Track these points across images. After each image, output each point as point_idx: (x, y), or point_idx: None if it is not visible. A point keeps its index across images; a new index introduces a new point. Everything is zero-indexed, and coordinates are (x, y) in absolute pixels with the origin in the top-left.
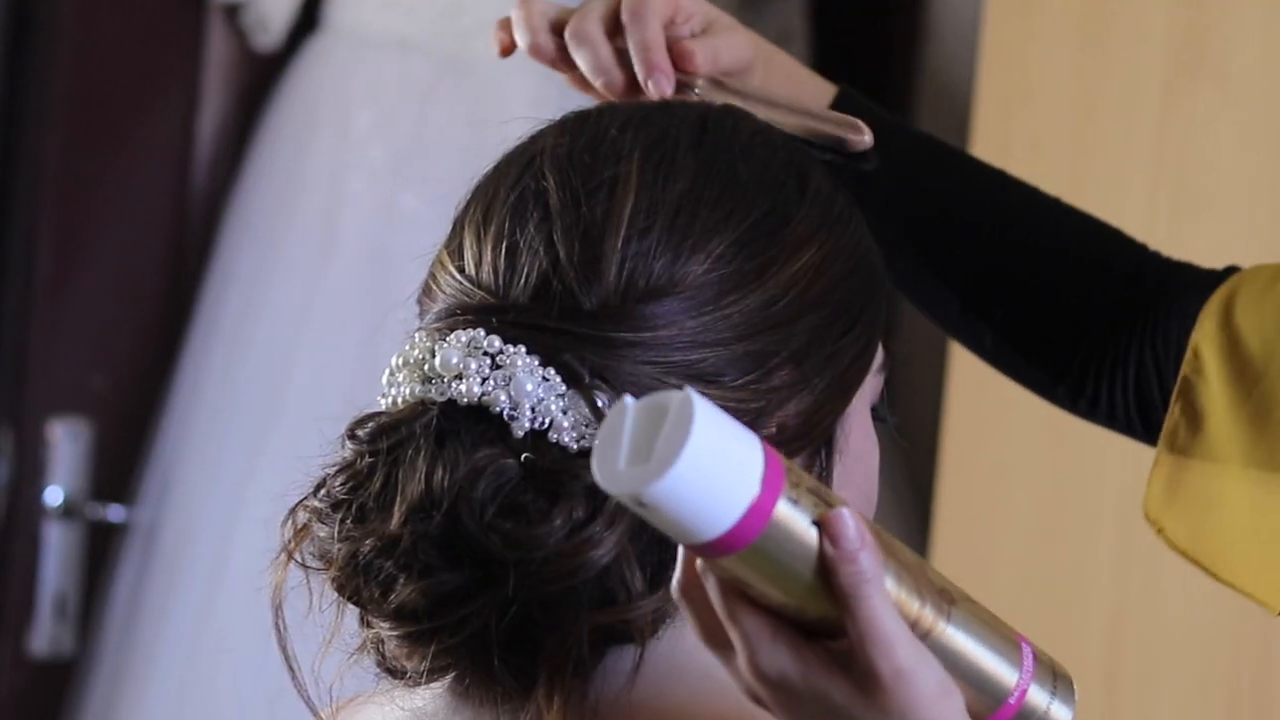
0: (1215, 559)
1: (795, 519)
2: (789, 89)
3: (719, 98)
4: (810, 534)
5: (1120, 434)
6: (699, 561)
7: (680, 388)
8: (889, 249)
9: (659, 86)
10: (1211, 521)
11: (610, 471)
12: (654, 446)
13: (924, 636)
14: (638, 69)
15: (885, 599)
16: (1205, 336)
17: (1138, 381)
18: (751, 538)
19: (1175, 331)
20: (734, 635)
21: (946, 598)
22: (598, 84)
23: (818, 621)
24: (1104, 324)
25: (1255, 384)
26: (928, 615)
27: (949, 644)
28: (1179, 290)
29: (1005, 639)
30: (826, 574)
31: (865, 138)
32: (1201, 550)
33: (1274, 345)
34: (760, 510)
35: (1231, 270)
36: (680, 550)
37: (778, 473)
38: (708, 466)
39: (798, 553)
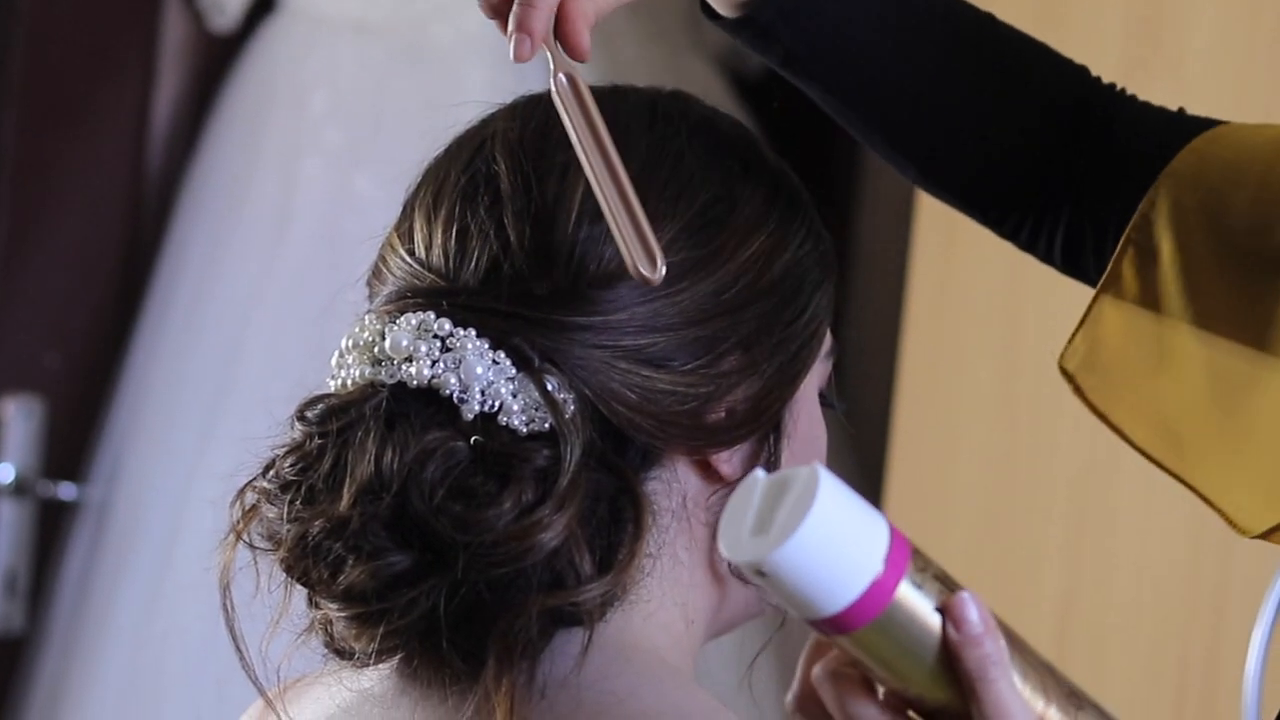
0: (1154, 442)
1: (918, 602)
2: None
3: (565, 107)
4: (934, 619)
5: (1038, 260)
6: (808, 664)
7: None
8: (833, 74)
9: (519, 48)
10: (1158, 392)
11: (734, 540)
12: (777, 517)
13: None
14: (510, 18)
15: (1011, 684)
16: (1163, 203)
17: (1068, 229)
18: (873, 615)
19: (1123, 186)
20: None
21: (1074, 701)
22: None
23: (938, 711)
24: (1039, 164)
25: (1240, 258)
26: (1054, 715)
27: None
28: (1126, 136)
29: None
30: (951, 659)
31: (654, 278)
32: (1123, 417)
33: (1269, 227)
34: (882, 588)
35: (1183, 116)
36: (800, 663)
37: (903, 554)
38: (830, 539)
39: (919, 637)
